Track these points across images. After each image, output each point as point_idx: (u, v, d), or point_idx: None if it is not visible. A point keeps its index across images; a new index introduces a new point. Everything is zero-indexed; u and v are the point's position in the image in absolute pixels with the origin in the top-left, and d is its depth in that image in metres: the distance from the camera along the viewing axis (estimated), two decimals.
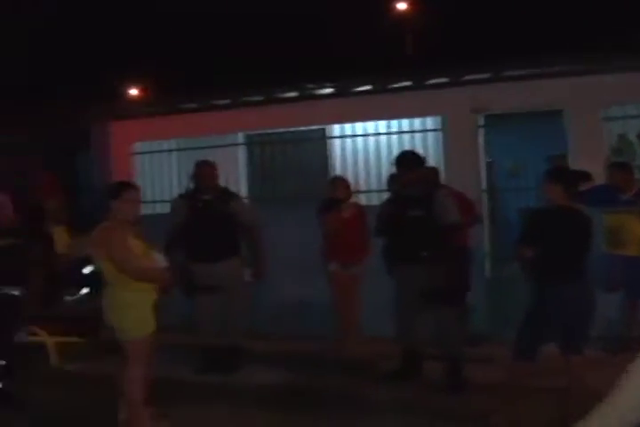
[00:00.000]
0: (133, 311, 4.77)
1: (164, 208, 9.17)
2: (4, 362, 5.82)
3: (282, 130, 8.87)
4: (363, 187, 8.18)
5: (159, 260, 4.91)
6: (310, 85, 7.97)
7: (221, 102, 8.64)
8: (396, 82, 7.77)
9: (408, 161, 5.98)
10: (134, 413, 4.81)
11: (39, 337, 6.94)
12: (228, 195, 6.74)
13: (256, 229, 6.66)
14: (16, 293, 5.96)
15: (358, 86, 7.93)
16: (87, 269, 7.61)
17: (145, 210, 9.27)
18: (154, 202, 9.26)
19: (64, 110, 9.72)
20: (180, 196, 6.96)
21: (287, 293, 7.96)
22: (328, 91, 8.09)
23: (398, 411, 5.32)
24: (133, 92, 19.97)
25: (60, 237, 8.64)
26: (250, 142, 9.26)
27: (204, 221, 6.45)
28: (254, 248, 6.66)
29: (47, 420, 5.45)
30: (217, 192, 6.62)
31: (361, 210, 7.40)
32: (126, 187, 5.00)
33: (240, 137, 9.29)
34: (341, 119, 8.26)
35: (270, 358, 6.84)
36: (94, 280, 7.48)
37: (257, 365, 6.63)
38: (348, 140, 8.40)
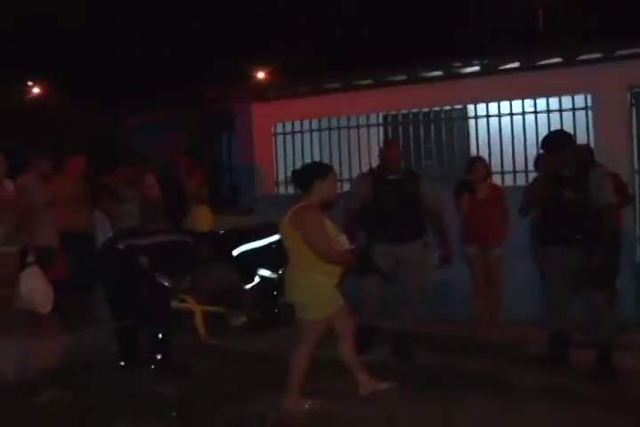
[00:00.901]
0: (317, 292, 4.93)
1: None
2: (161, 334, 6.09)
3: (423, 110, 8.74)
4: (508, 167, 7.96)
5: (344, 242, 4.99)
6: (456, 64, 7.80)
7: (365, 82, 8.61)
8: (545, 58, 7.51)
9: (558, 141, 5.78)
10: (291, 388, 4.97)
11: (187, 304, 7.14)
12: (414, 175, 6.49)
13: (440, 212, 6.43)
14: (166, 283, 6.21)
15: (505, 64, 7.72)
16: (236, 251, 7.76)
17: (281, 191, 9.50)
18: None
19: (208, 92, 9.96)
20: (364, 175, 6.70)
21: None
22: (474, 69, 7.92)
23: (546, 397, 5.17)
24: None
25: (203, 216, 8.90)
26: (388, 123, 9.18)
27: (392, 201, 6.19)
28: (441, 231, 6.42)
29: (196, 389, 5.65)
30: (402, 172, 6.40)
31: (498, 191, 7.24)
32: (330, 168, 5.15)
33: (380, 117, 9.24)
34: (486, 98, 8.06)
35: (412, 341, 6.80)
36: (243, 261, 7.75)
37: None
38: (492, 120, 8.19)
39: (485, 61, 7.74)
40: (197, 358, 6.45)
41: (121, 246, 6.20)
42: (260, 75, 19.13)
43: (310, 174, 4.96)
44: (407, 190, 6.23)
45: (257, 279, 7.71)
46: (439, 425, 4.79)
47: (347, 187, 9.00)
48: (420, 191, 6.27)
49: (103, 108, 11.97)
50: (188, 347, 6.62)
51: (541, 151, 6.13)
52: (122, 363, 6.24)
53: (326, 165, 5.44)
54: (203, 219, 8.92)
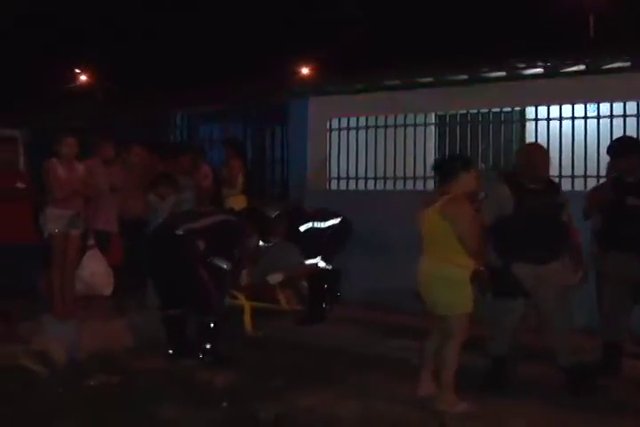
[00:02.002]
0: (458, 287, 4.91)
1: (352, 185, 9.32)
2: (212, 323, 6.12)
3: (482, 110, 8.64)
4: (566, 172, 7.82)
5: None
6: (520, 65, 7.68)
7: (426, 80, 8.52)
8: (612, 62, 7.36)
9: (626, 147, 5.68)
10: (446, 389, 4.94)
11: (238, 301, 7.19)
12: (555, 184, 5.72)
13: (573, 226, 5.64)
14: (224, 266, 6.27)
15: (571, 66, 7.58)
16: (304, 227, 7.86)
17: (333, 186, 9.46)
18: (347, 178, 9.39)
19: (265, 84, 9.96)
20: (500, 182, 5.59)
21: None
22: (537, 71, 7.79)
23: (598, 406, 5.08)
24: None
25: (237, 205, 8.89)
26: (446, 123, 9.10)
27: (539, 215, 5.34)
28: (578, 247, 5.62)
29: (244, 380, 5.67)
30: (544, 181, 5.50)
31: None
32: (473, 161, 5.31)
33: (436, 117, 9.17)
34: (547, 101, 7.92)
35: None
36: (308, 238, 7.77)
37: None
38: (551, 124, 8.04)
39: (549, 63, 7.61)
40: (245, 349, 6.48)
41: (180, 232, 6.23)
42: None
43: (457, 166, 5.02)
44: (553, 202, 5.43)
45: (318, 259, 7.77)
46: None
47: (389, 185, 9.02)
48: (563, 203, 5.51)
49: (158, 97, 12.05)
50: (235, 339, 6.68)
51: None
52: (170, 351, 6.29)
53: (470, 157, 5.51)
54: (236, 207, 8.89)
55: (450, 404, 4.95)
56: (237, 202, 8.95)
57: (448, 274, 4.89)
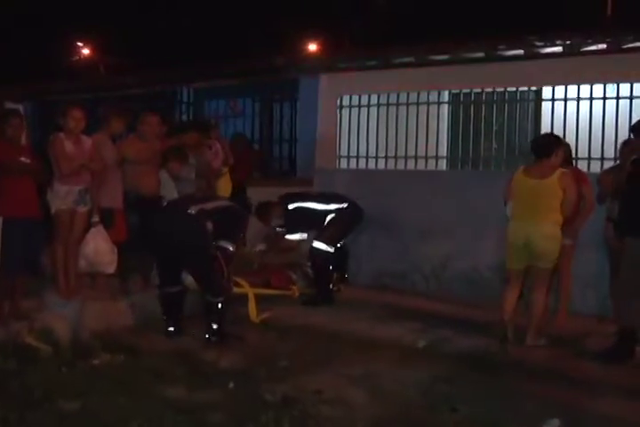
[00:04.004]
0: (559, 243, 5.90)
1: (362, 164, 9.16)
2: (221, 302, 6.08)
3: (493, 89, 8.46)
4: (582, 154, 7.65)
5: None
6: (538, 43, 7.48)
7: (440, 58, 8.32)
8: (633, 42, 7.16)
9: None
10: (535, 326, 6.02)
11: (242, 289, 7.11)
12: None
13: None
14: (230, 247, 6.29)
15: (590, 45, 7.39)
16: (292, 206, 7.93)
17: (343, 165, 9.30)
18: (357, 157, 9.24)
19: (275, 60, 9.78)
20: None
21: (488, 260, 7.70)
22: (556, 49, 7.59)
23: (613, 392, 5.00)
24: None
25: (224, 183, 8.69)
26: (460, 101, 8.92)
27: None
28: None
29: (250, 361, 5.58)
30: None
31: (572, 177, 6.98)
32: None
33: (450, 95, 8.99)
34: (565, 80, 7.73)
35: (468, 325, 6.65)
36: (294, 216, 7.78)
37: (458, 330, 6.54)
38: (567, 104, 7.86)
39: (568, 42, 7.41)
40: (251, 331, 6.43)
41: (192, 211, 6.17)
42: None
43: (555, 142, 5.95)
44: None
45: (298, 236, 7.87)
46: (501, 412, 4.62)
47: (400, 165, 8.85)
48: None
49: (165, 72, 11.87)
50: (240, 321, 6.61)
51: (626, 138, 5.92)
52: (171, 329, 6.25)
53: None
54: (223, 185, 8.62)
55: (536, 340, 6.01)
56: (225, 182, 8.61)
57: (557, 232, 5.86)
